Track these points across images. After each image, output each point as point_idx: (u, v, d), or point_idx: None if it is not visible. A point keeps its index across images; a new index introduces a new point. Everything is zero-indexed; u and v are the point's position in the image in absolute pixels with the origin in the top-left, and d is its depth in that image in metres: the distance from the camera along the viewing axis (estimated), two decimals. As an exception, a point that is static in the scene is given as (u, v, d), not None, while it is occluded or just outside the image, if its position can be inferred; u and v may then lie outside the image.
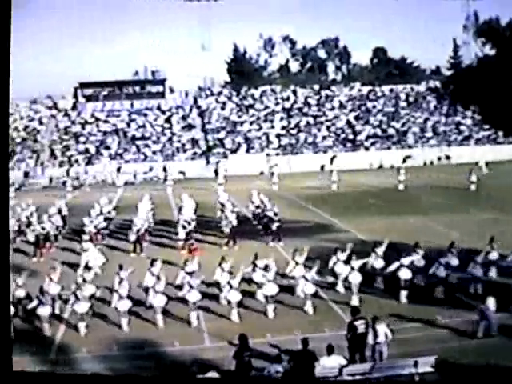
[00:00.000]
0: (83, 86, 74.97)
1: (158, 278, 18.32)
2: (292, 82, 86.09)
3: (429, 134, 71.95)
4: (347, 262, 19.91)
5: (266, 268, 19.03)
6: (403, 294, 19.06)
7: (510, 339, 15.39)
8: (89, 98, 74.86)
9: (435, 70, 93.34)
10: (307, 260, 19.80)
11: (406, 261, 19.37)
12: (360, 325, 14.26)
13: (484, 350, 14.63)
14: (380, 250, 20.59)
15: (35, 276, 20.09)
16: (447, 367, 13.29)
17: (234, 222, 28.24)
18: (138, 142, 68.67)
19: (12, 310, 17.13)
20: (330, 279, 20.77)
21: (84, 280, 18.49)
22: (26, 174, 61.80)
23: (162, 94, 75.94)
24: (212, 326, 17.52)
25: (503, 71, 23.08)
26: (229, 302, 18.39)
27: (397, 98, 78.87)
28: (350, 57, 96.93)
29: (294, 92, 79.74)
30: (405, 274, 19.22)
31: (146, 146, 68.23)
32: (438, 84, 74.62)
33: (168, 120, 72.51)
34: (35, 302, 17.71)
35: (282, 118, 73.79)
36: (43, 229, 27.90)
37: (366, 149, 69.58)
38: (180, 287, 18.69)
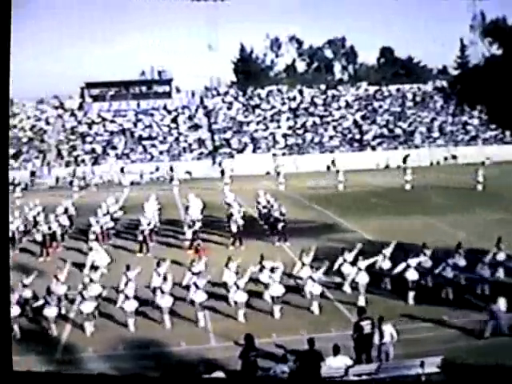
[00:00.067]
0: (90, 85, 75.12)
1: (165, 278, 18.34)
2: (298, 81, 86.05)
3: (435, 133, 71.79)
4: (354, 262, 19.88)
5: (272, 269, 19.00)
6: (411, 295, 18.99)
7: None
8: (95, 98, 75.03)
9: (442, 69, 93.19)
10: (314, 260, 19.80)
11: (413, 262, 19.31)
12: (366, 325, 14.24)
13: (491, 350, 14.57)
14: (387, 251, 20.52)
15: (41, 276, 20.10)
16: (454, 367, 13.24)
17: (241, 222, 28.25)
18: (144, 142, 68.76)
19: (19, 310, 17.20)
20: (337, 279, 20.75)
21: (91, 280, 18.53)
22: (33, 174, 61.96)
23: (168, 94, 76.03)
24: (218, 326, 17.51)
25: (510, 71, 22.97)
26: (235, 302, 18.40)
27: (403, 97, 78.74)
28: (357, 56, 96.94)
29: (301, 92, 79.70)
30: (412, 275, 19.15)
31: (153, 145, 68.31)
32: (444, 84, 74.32)
33: (174, 120, 72.58)
34: (41, 301, 17.76)
35: (288, 118, 73.76)
36: (50, 228, 27.96)
37: (373, 149, 69.47)
38: (186, 287, 18.71)
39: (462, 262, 20.01)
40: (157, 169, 63.33)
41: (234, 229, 28.06)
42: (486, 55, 26.31)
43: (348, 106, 76.94)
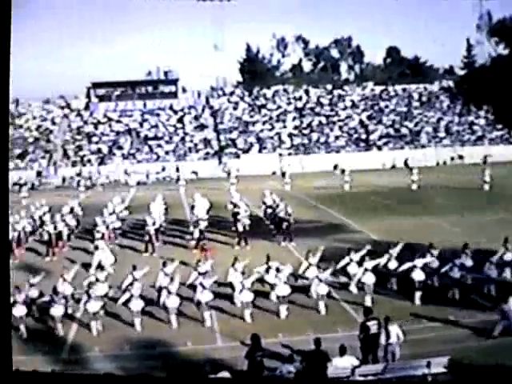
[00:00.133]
0: (96, 85, 75.30)
1: (172, 278, 18.31)
2: (305, 81, 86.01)
3: (442, 133, 71.69)
4: (361, 262, 19.83)
5: (278, 269, 18.97)
6: (417, 295, 18.93)
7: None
8: (101, 98, 75.22)
9: (448, 69, 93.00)
10: (320, 261, 19.76)
11: (419, 262, 19.25)
12: (372, 325, 14.20)
13: (498, 350, 14.50)
14: (394, 252, 20.45)
15: (48, 275, 20.13)
16: (460, 368, 13.19)
17: (247, 222, 28.24)
18: (150, 142, 68.86)
19: (25, 309, 17.24)
20: (343, 279, 20.72)
21: (97, 279, 18.55)
22: (39, 174, 62.12)
23: (174, 94, 76.14)
24: (224, 326, 17.50)
25: (517, 70, 22.91)
26: (241, 303, 18.38)
27: (410, 97, 78.64)
28: (363, 56, 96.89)
29: (307, 92, 79.67)
30: (418, 276, 19.10)
31: (159, 145, 68.41)
32: (451, 84, 74.10)
33: (180, 120, 72.65)
34: (47, 297, 17.81)
35: (294, 118, 73.76)
36: (56, 228, 28.02)
37: (379, 149, 69.39)
38: (193, 287, 18.70)
39: (468, 262, 19.91)
40: (163, 169, 63.43)
41: (240, 228, 28.06)
42: (493, 55, 26.25)
43: (354, 105, 76.88)
